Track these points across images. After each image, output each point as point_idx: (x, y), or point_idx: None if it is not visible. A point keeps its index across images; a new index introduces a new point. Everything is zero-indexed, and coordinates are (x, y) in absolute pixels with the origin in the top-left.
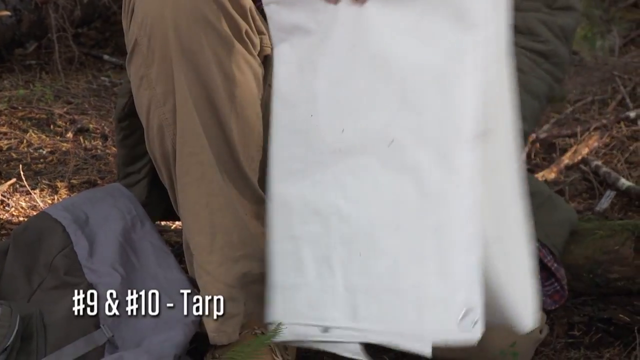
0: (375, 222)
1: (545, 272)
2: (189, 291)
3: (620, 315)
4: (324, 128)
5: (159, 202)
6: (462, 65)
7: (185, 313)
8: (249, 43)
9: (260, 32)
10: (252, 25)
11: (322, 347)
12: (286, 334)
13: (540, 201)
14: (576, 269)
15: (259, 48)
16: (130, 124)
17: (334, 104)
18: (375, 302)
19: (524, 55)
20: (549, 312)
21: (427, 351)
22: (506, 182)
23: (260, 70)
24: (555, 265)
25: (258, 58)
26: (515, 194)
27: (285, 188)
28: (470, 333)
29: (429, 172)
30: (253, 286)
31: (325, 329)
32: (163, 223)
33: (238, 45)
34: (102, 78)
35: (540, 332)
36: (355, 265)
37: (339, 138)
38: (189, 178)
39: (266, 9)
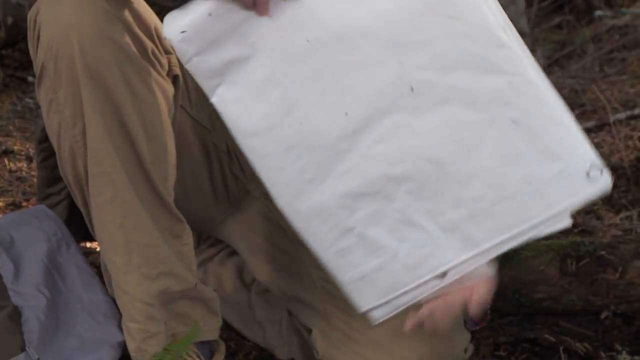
0: (442, 159)
1: None
2: (114, 313)
3: (546, 336)
4: (322, 125)
5: (81, 223)
6: None
7: (110, 335)
8: (156, 62)
9: (167, 52)
10: (159, 44)
11: (440, 291)
12: (386, 310)
13: None
14: (501, 288)
15: (167, 68)
16: (49, 145)
17: (321, 98)
18: (488, 219)
19: None
20: (474, 332)
21: (568, 222)
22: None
23: (170, 90)
24: None
25: (167, 77)
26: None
27: (308, 200)
28: (601, 182)
29: (475, 84)
30: (174, 305)
31: (443, 274)
32: (88, 245)
33: (145, 65)
34: (27, 100)
35: (465, 351)
36: (443, 205)
37: (345, 122)
38: (102, 198)
39: (188, 67)
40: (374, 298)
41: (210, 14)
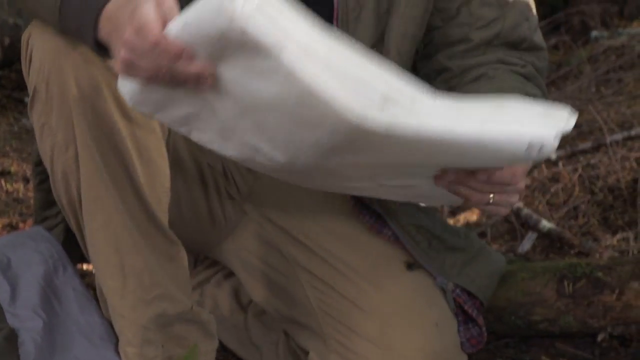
0: (414, 164)
1: (464, 316)
2: (110, 336)
3: (543, 358)
4: (290, 159)
5: (78, 246)
6: (294, 83)
7: (106, 358)
8: None
9: None
10: None
11: None
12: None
13: (471, 256)
14: (498, 310)
15: None
16: (46, 168)
17: (275, 144)
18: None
19: (513, 74)
20: (471, 354)
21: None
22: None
23: None
24: (475, 312)
25: None
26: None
27: (332, 186)
28: (547, 149)
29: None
30: (170, 328)
31: None
32: (85, 267)
33: None
34: (24, 121)
35: None
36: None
37: (305, 160)
38: (96, 224)
39: (156, 118)
40: (442, 202)
41: (143, 87)
